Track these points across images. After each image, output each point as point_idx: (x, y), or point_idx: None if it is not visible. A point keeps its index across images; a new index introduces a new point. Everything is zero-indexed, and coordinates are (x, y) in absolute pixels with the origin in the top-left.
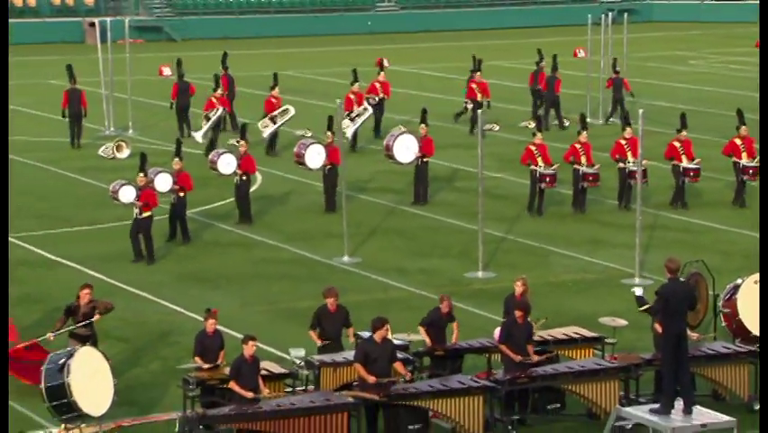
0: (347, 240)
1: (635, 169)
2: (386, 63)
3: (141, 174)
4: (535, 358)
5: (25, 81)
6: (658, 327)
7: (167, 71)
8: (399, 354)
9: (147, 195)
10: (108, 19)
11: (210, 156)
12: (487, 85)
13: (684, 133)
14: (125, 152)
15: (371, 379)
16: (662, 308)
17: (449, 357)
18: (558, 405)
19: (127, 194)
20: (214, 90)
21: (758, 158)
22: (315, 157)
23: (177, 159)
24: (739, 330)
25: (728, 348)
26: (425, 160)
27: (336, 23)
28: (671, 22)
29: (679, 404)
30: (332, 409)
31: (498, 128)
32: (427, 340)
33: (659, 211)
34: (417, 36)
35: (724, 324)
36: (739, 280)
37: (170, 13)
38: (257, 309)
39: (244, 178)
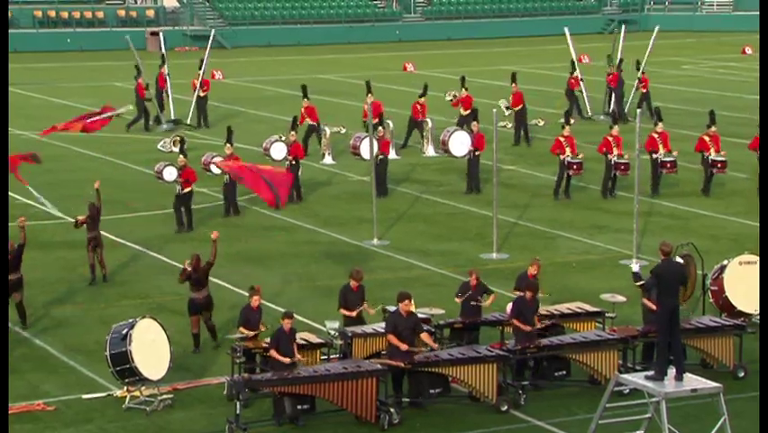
0: (376, 225)
1: (666, 159)
2: (411, 68)
3: (181, 156)
4: (539, 324)
5: (94, 84)
6: (647, 302)
7: (218, 75)
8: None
9: (187, 173)
10: (166, 29)
11: (264, 144)
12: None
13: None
14: (176, 147)
15: (404, 346)
16: (656, 285)
17: (466, 329)
18: (564, 372)
19: (169, 173)
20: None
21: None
22: (367, 150)
23: (228, 144)
24: (725, 306)
25: (716, 322)
26: (476, 153)
27: (368, 33)
28: (667, 31)
29: (671, 371)
30: (362, 375)
31: (543, 123)
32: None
33: (653, 199)
34: (440, 44)
35: (711, 300)
36: (726, 261)
37: (222, 23)
38: (297, 286)
39: (294, 162)
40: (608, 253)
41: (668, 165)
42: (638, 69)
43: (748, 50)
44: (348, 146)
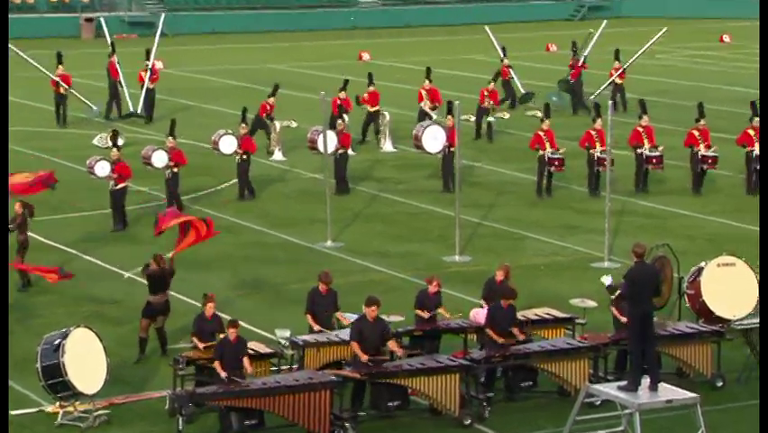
0: (330, 225)
1: (651, 155)
2: (366, 57)
3: (115, 149)
4: (522, 336)
5: (21, 74)
6: (615, 312)
7: (159, 65)
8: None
9: (120, 168)
10: (103, 15)
11: (213, 137)
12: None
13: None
14: (120, 141)
15: (364, 357)
16: (629, 290)
17: (427, 337)
18: (531, 383)
19: (102, 168)
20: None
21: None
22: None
23: (170, 137)
24: (702, 311)
25: (692, 328)
26: (451, 150)
27: (320, 19)
28: (639, 18)
29: (645, 381)
30: (315, 387)
31: (507, 116)
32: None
33: (627, 198)
34: (399, 31)
35: (688, 305)
36: (703, 264)
37: (162, 8)
38: (245, 292)
39: (244, 157)
40: (578, 255)
41: (653, 161)
42: (616, 59)
43: (726, 38)
44: (301, 141)
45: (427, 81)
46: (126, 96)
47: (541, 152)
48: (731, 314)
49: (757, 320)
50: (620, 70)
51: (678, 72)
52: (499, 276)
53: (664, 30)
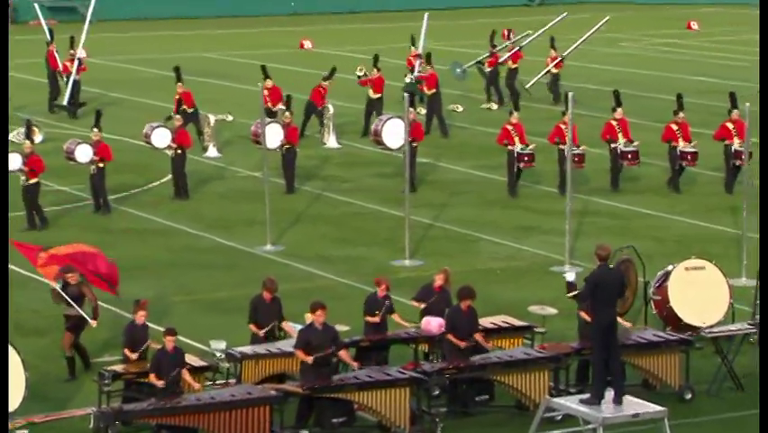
0: (270, 228)
1: (626, 150)
2: (308, 45)
3: (28, 141)
4: (489, 345)
5: None
6: (584, 315)
7: (81, 53)
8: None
9: (32, 162)
10: None
11: (145, 130)
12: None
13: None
14: (38, 137)
15: (309, 358)
16: (591, 296)
17: (374, 348)
18: (486, 396)
19: (13, 161)
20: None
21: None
22: (273, 137)
23: (95, 130)
24: (670, 318)
25: (659, 336)
26: (414, 145)
27: (258, 5)
28: (602, 3)
29: (609, 394)
30: (253, 403)
31: (461, 109)
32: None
33: (590, 197)
34: (343, 17)
35: (654, 311)
36: (670, 267)
37: None
38: (175, 300)
39: (179, 152)
40: (536, 259)
41: (629, 156)
42: (552, 47)
43: (694, 25)
44: (236, 136)
45: (375, 70)
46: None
47: (510, 148)
48: (700, 321)
49: (729, 327)
50: (556, 60)
51: (643, 61)
52: (438, 281)
53: (606, 18)
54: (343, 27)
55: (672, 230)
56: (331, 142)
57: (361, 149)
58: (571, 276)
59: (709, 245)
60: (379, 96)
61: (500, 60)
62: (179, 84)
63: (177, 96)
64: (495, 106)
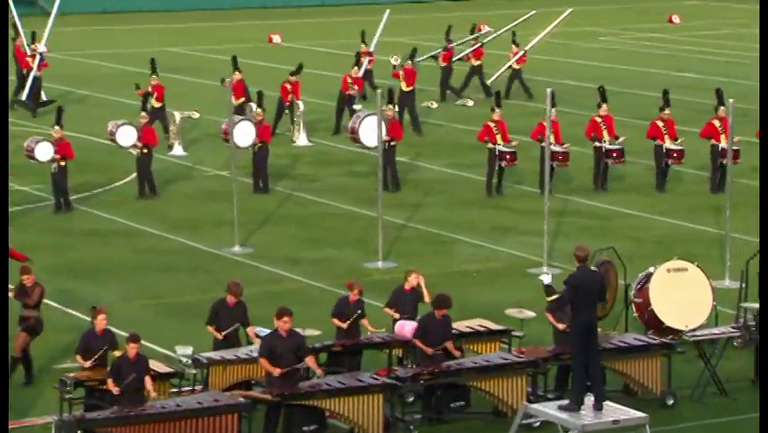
0: (238, 229)
1: (612, 148)
2: (277, 40)
3: None
4: (458, 354)
5: None
6: (551, 319)
7: (42, 48)
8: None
9: None
10: None
11: (110, 127)
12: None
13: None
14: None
15: (276, 371)
16: (570, 299)
17: (346, 353)
18: (462, 403)
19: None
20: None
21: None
22: (245, 135)
23: (57, 127)
24: (651, 321)
25: (640, 340)
26: (392, 144)
27: None
28: None
29: (589, 400)
30: (221, 411)
31: (435, 105)
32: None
33: (569, 196)
34: (313, 11)
35: (635, 314)
36: (651, 269)
37: None
38: (139, 304)
39: (145, 151)
40: (513, 260)
41: (614, 154)
42: (514, 43)
43: (675, 19)
44: (203, 134)
45: (356, 68)
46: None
47: (491, 146)
48: (683, 324)
49: (712, 331)
50: (518, 55)
51: (623, 57)
52: (412, 282)
53: (569, 11)
54: (314, 21)
55: (653, 230)
56: (301, 139)
57: (333, 147)
58: (547, 279)
59: (692, 246)
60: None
61: (462, 56)
62: (154, 76)
63: (148, 90)
64: (471, 103)
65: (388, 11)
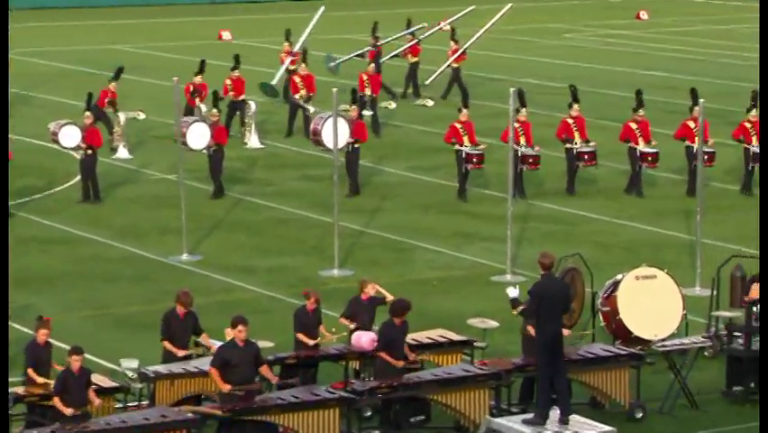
0: (186, 235)
1: (584, 150)
2: (227, 36)
3: None
4: (412, 356)
5: None
6: (531, 330)
7: None
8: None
9: None
10: None
11: (52, 128)
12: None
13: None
14: None
15: (226, 387)
16: (536, 308)
17: (301, 366)
18: (422, 417)
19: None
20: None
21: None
22: (198, 138)
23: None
24: (619, 330)
25: (608, 351)
26: (356, 146)
27: None
28: None
29: (554, 413)
30: (168, 427)
31: (394, 105)
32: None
33: (533, 201)
34: (263, 6)
35: (603, 323)
36: (619, 276)
37: None
38: (82, 315)
39: (89, 152)
40: (476, 268)
41: (586, 157)
42: (453, 39)
43: (643, 15)
44: (149, 136)
45: (303, 65)
46: None
47: (458, 148)
48: (652, 334)
49: (682, 341)
50: (458, 52)
51: (588, 55)
52: (369, 291)
53: (509, 6)
54: (265, 17)
55: (621, 236)
56: (253, 141)
57: (286, 149)
58: (513, 291)
59: (661, 252)
60: (308, 96)
61: (398, 53)
62: (114, 84)
63: (107, 91)
64: (430, 102)
65: (323, 7)
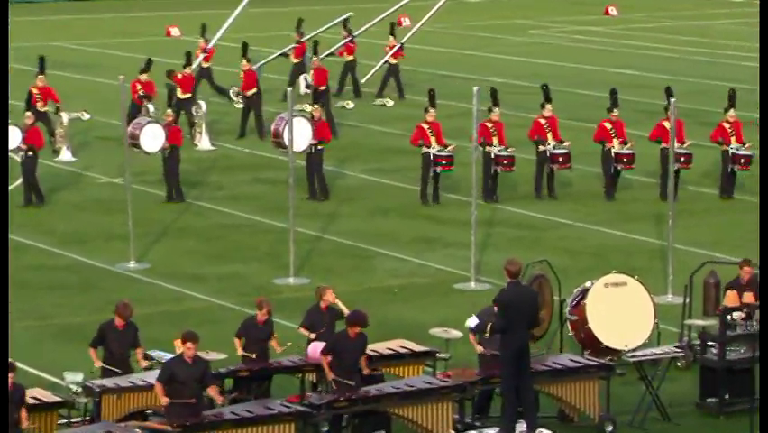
0: (133, 242)
1: (557, 152)
2: (176, 33)
3: None
4: (368, 370)
5: None
6: (479, 348)
7: None
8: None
9: None
10: None
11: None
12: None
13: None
14: None
15: (164, 400)
16: (501, 318)
17: (254, 379)
18: (383, 432)
19: None
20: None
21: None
22: (152, 140)
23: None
24: (588, 340)
25: (577, 362)
26: (319, 147)
27: None
28: None
29: (521, 427)
30: None
31: (352, 105)
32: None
33: (497, 205)
34: (212, 2)
35: (571, 333)
36: (588, 283)
37: None
38: (23, 325)
39: (30, 154)
40: (438, 275)
41: (560, 159)
42: (391, 34)
43: (612, 11)
44: (93, 137)
45: (244, 60)
46: None
47: (425, 150)
48: (622, 344)
49: (654, 351)
50: (395, 48)
51: (555, 52)
52: (328, 298)
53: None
54: (215, 12)
55: (587, 241)
56: (203, 143)
57: (239, 151)
58: (473, 322)
59: (632, 258)
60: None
61: (333, 51)
62: (41, 76)
63: (34, 90)
64: (390, 102)
65: (245, 1)
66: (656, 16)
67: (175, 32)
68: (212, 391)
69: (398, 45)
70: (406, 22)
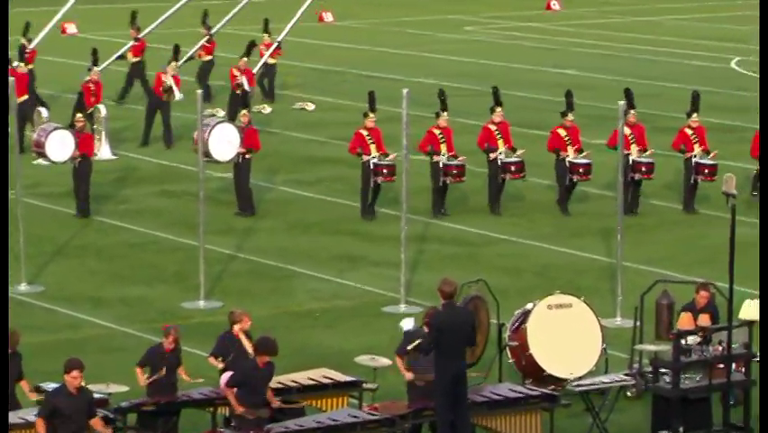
0: (24, 262)
1: (509, 161)
2: (73, 29)
3: None
4: (277, 403)
5: None
6: (409, 376)
7: None
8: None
9: None
10: None
11: None
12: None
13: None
14: None
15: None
16: (436, 342)
17: (161, 413)
18: None
19: None
20: None
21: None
22: (62, 147)
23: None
24: (530, 368)
25: (517, 392)
26: (247, 156)
27: None
28: None
29: None
30: None
31: (269, 110)
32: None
33: (430, 219)
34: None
35: (511, 360)
36: (530, 305)
37: None
38: None
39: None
40: (365, 297)
41: (513, 168)
42: (266, 32)
43: (555, 5)
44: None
45: (174, 63)
46: None
47: (365, 158)
48: (567, 372)
49: (601, 379)
50: (273, 47)
51: (489, 50)
52: (242, 325)
53: None
54: (115, 7)
55: (530, 259)
56: (103, 152)
57: (143, 160)
58: (408, 324)
59: (578, 278)
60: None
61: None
62: (96, 69)
63: (90, 86)
64: (311, 107)
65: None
66: (602, 12)
67: (71, 28)
68: (96, 424)
69: (276, 44)
70: (328, 17)
